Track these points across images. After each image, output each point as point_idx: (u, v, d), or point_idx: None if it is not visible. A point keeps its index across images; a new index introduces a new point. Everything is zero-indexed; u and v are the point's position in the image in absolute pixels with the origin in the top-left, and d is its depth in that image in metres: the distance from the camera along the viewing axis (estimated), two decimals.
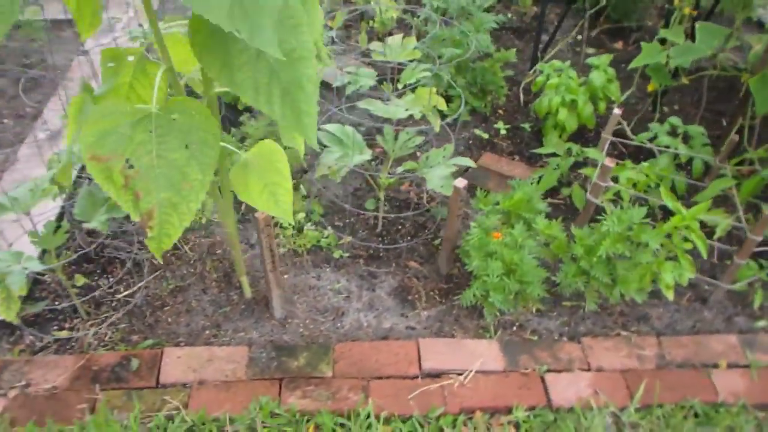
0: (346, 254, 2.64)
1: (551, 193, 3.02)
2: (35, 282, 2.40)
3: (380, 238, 2.75)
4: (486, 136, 3.41)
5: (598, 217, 2.28)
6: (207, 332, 2.29)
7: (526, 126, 3.42)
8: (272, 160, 1.58)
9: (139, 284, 2.45)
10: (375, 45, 3.19)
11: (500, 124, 3.43)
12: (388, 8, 4.05)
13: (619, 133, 3.06)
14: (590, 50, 4.48)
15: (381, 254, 2.67)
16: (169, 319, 2.34)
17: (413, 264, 2.63)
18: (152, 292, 2.44)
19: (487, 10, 4.29)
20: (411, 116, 2.58)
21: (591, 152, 2.72)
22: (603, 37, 4.70)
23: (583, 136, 3.45)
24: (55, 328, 2.28)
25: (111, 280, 2.47)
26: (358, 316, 2.38)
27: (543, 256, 2.37)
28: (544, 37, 4.00)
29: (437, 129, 2.98)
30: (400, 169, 2.46)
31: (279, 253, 2.62)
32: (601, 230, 2.20)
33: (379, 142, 2.63)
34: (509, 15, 4.97)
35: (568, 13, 4.03)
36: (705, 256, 2.14)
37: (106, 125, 1.31)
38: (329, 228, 2.76)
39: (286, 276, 2.53)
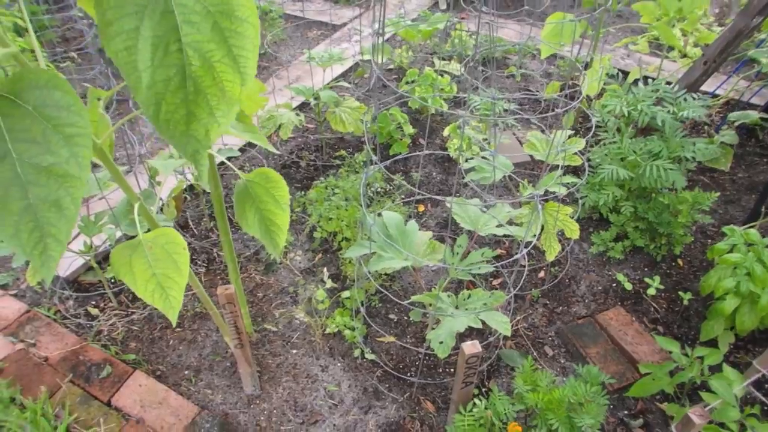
0: (370, 356, 2.21)
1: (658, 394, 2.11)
2: (106, 257, 2.54)
3: (421, 355, 2.24)
4: (630, 286, 2.54)
5: None
6: (186, 372, 2.14)
7: (685, 296, 2.44)
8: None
9: None
10: (533, 135, 2.62)
11: (655, 280, 2.51)
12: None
13: None
14: None
15: (408, 374, 2.17)
16: (171, 342, 2.25)
17: (428, 405, 2.07)
18: (184, 306, 2.38)
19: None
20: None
21: (716, 380, 1.76)
22: None
23: None
24: (93, 303, 2.38)
25: None
26: None
27: None
28: None
29: (549, 258, 2.32)
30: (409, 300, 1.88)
31: (303, 322, 2.33)
32: None
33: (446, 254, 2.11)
34: None
35: None
36: None
37: None
38: (361, 320, 2.36)
39: (294, 351, 2.23)
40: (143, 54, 0.92)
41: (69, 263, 2.44)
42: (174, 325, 1.41)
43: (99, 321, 2.30)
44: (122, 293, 2.41)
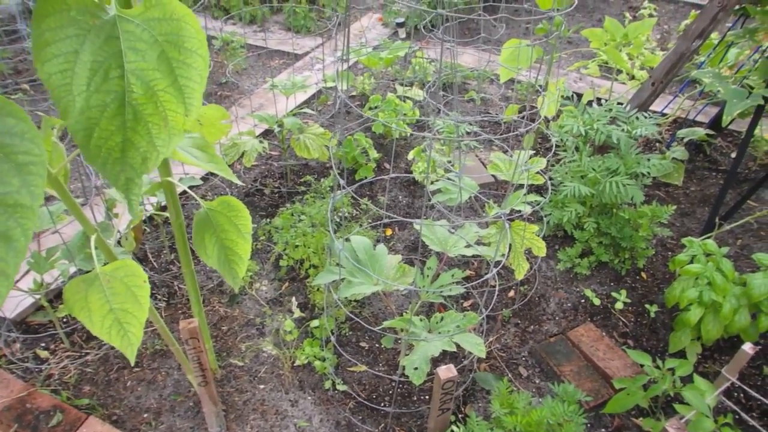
0: (341, 387, 2.06)
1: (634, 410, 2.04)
2: (58, 295, 2.33)
3: (395, 383, 2.10)
4: (598, 301, 2.48)
5: None
6: (145, 415, 1.94)
7: (651, 309, 2.40)
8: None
9: None
10: (496, 156, 2.56)
11: (622, 294, 2.47)
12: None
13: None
14: None
15: (382, 404, 2.03)
16: (129, 383, 2.05)
17: None
18: (142, 344, 2.19)
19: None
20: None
21: (688, 392, 1.69)
22: None
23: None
24: (42, 345, 2.16)
25: None
26: None
27: None
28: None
29: (519, 277, 2.24)
30: (385, 324, 1.76)
31: (271, 355, 2.17)
32: None
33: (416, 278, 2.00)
34: (716, 139, 3.72)
35: None
36: None
37: None
38: (331, 349, 2.22)
39: (262, 386, 2.07)
40: (79, 78, 0.85)
41: (16, 303, 2.22)
42: (133, 363, 1.25)
43: (49, 364, 2.08)
44: (75, 333, 2.20)
